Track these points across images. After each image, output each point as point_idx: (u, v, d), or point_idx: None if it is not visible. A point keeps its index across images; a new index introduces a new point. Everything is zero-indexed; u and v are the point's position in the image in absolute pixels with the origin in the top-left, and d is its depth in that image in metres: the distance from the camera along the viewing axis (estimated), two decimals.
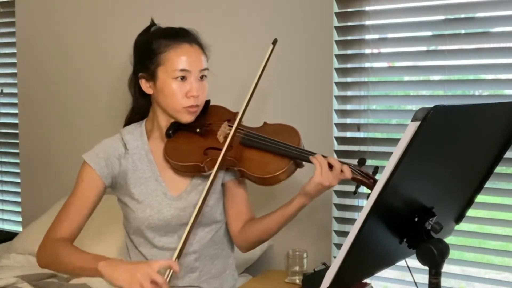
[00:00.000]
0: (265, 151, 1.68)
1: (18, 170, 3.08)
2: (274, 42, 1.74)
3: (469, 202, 1.40)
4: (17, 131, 3.05)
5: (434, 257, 1.17)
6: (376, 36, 2.23)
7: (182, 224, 1.70)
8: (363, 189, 1.68)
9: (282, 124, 1.78)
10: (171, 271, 1.50)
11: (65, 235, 1.66)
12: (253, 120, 1.81)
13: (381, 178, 1.07)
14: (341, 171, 1.59)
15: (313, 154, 1.63)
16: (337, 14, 2.22)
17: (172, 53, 1.67)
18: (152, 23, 1.79)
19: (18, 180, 3.09)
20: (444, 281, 1.21)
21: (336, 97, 2.26)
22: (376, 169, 1.65)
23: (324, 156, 1.62)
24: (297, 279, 2.12)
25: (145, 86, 1.72)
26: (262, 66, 1.70)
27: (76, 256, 1.60)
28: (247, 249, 1.82)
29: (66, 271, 1.66)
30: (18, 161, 3.06)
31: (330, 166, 1.59)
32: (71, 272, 1.64)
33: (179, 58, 1.66)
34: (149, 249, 1.73)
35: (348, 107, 2.28)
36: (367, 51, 2.22)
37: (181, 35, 1.70)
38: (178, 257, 1.53)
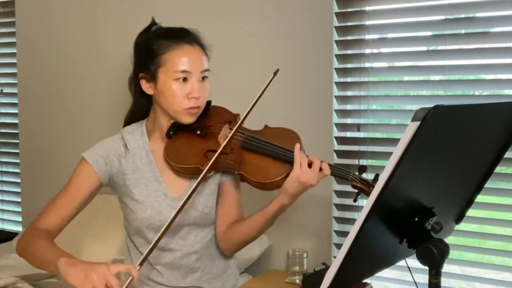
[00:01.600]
0: (266, 156, 1.67)
1: (18, 170, 3.07)
2: (276, 72, 1.70)
3: (469, 202, 1.40)
4: (17, 131, 3.05)
5: (434, 257, 1.17)
6: (376, 36, 2.23)
7: (182, 224, 1.70)
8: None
9: (283, 128, 1.77)
10: (131, 277, 1.42)
11: (49, 227, 1.64)
12: (253, 120, 1.81)
13: (381, 178, 1.07)
14: (320, 169, 1.59)
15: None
16: (337, 14, 2.22)
17: (173, 54, 1.66)
18: (153, 22, 1.78)
19: (18, 180, 3.08)
20: (444, 281, 1.21)
21: (336, 97, 2.26)
22: (377, 177, 1.64)
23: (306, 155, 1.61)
24: (297, 279, 2.12)
25: (146, 86, 1.72)
26: (260, 92, 1.67)
27: (45, 249, 1.55)
28: (230, 251, 1.80)
29: (33, 263, 1.60)
30: (18, 161, 3.06)
31: (310, 165, 1.59)
32: (37, 265, 1.58)
33: (180, 59, 1.66)
34: None
35: (348, 107, 2.28)
36: (367, 51, 2.22)
37: (182, 36, 1.70)
38: (141, 264, 1.47)
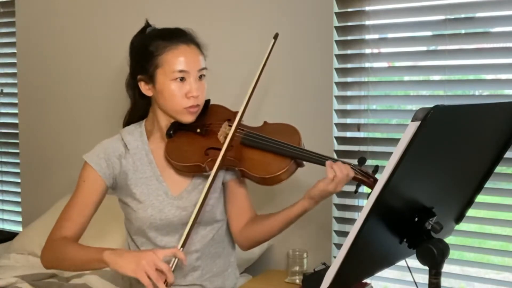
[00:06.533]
0: (266, 151, 1.68)
1: (18, 170, 3.07)
2: (276, 36, 1.73)
3: (469, 202, 1.40)
4: (17, 131, 3.05)
5: (434, 257, 1.17)
6: (376, 36, 2.23)
7: (183, 223, 1.70)
8: (363, 189, 1.68)
9: (282, 124, 1.78)
10: (176, 259, 1.50)
11: (68, 235, 1.67)
12: (253, 120, 1.82)
13: (381, 178, 1.07)
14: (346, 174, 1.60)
15: (316, 155, 1.64)
16: (337, 14, 2.22)
17: (169, 54, 1.67)
18: (147, 24, 1.79)
19: (18, 180, 3.08)
20: (444, 281, 1.21)
21: (336, 97, 2.26)
22: (376, 168, 1.65)
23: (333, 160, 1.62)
24: (297, 279, 2.12)
25: (145, 88, 1.72)
26: (264, 60, 1.70)
27: (80, 250, 1.60)
28: (248, 247, 1.83)
29: (72, 267, 1.67)
30: (18, 161, 3.06)
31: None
32: (77, 268, 1.65)
33: (176, 59, 1.66)
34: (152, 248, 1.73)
35: (348, 107, 2.28)
36: (367, 51, 2.22)
37: (178, 36, 1.70)
38: (183, 245, 1.53)
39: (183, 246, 1.53)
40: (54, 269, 1.72)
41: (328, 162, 1.61)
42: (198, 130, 1.74)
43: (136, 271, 1.45)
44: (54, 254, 1.65)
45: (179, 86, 1.67)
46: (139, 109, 1.80)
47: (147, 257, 1.46)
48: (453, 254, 1.95)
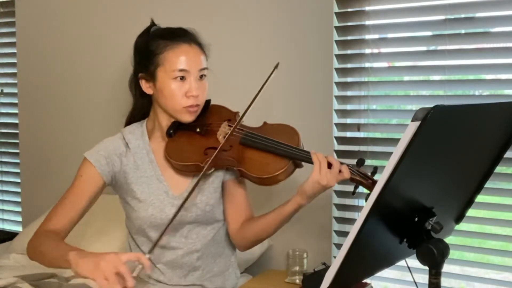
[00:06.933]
0: (265, 151, 1.68)
1: (18, 170, 3.07)
2: (276, 66, 1.69)
3: (469, 202, 1.40)
4: (17, 131, 3.05)
5: (434, 257, 1.17)
6: (376, 36, 2.23)
7: (184, 223, 1.71)
8: (362, 190, 1.68)
9: (282, 124, 1.78)
10: (141, 266, 1.44)
11: (57, 228, 1.65)
12: (253, 120, 1.81)
13: (381, 178, 1.07)
14: (340, 171, 1.59)
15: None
16: (337, 14, 2.22)
17: (170, 53, 1.67)
18: (152, 24, 1.80)
19: (18, 180, 3.08)
20: (444, 281, 1.21)
21: (336, 97, 2.26)
22: (375, 170, 1.65)
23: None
24: (297, 279, 2.11)
25: (145, 86, 1.73)
26: (261, 87, 1.66)
27: (54, 246, 1.57)
28: (245, 247, 1.83)
29: (44, 262, 1.62)
30: (18, 161, 3.06)
31: (329, 166, 1.59)
32: (49, 264, 1.60)
33: (177, 58, 1.67)
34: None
35: (348, 107, 2.28)
36: (367, 51, 2.22)
37: (180, 35, 1.71)
38: (150, 251, 1.50)
39: (150, 252, 1.49)
40: (34, 261, 1.68)
41: (312, 151, 1.61)
42: (198, 130, 1.74)
43: (94, 272, 1.39)
44: (35, 245, 1.63)
45: (179, 85, 1.67)
46: (141, 108, 1.81)
47: (108, 259, 1.39)
48: (453, 254, 1.95)
